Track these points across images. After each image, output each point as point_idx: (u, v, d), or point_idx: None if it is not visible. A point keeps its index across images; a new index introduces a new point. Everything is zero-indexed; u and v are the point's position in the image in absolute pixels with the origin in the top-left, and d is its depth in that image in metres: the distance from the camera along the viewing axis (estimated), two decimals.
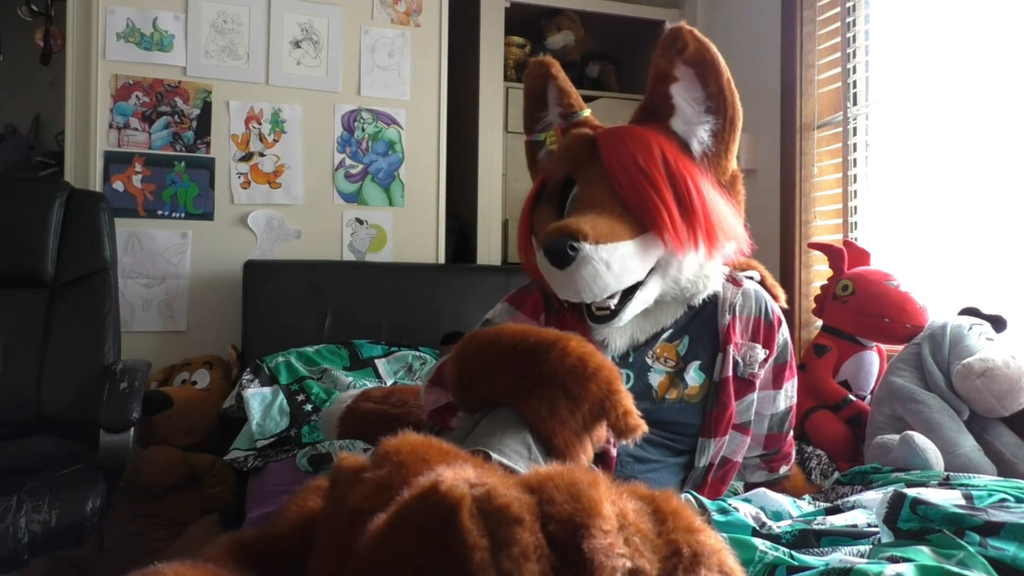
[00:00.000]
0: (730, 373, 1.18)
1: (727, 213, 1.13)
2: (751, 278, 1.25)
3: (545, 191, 1.21)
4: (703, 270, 1.15)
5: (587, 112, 1.27)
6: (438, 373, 1.20)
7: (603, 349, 1.15)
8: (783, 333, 1.26)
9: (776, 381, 1.27)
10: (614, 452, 1.12)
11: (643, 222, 1.07)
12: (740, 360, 1.19)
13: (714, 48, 1.13)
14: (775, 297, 1.29)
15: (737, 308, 1.21)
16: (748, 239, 1.17)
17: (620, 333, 1.16)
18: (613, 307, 1.08)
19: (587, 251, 1.01)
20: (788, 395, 1.29)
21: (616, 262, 1.03)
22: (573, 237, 1.01)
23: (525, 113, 1.34)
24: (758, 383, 1.23)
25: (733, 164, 1.18)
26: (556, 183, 1.18)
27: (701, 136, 1.15)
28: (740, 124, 1.15)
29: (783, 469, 1.36)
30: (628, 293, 1.09)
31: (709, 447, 1.19)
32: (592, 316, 1.10)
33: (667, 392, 1.17)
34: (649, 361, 1.18)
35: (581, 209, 1.09)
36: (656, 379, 1.17)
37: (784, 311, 1.29)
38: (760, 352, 1.21)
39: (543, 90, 1.30)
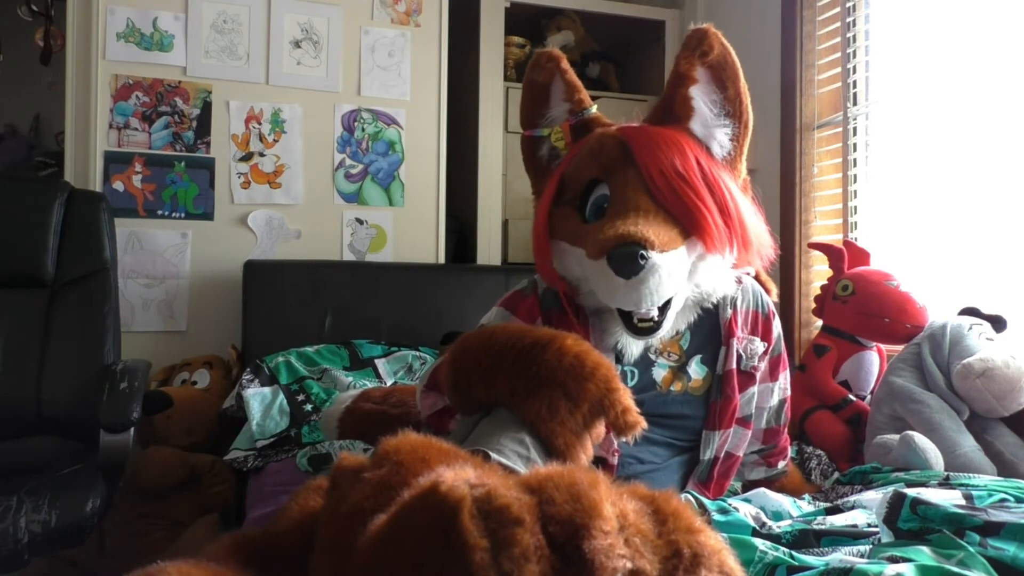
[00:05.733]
0: (734, 366, 1.19)
1: (757, 218, 1.13)
2: (747, 273, 1.25)
3: (564, 192, 1.17)
4: (722, 273, 1.15)
5: (595, 109, 1.23)
6: (432, 377, 1.19)
7: (611, 352, 1.15)
8: (777, 326, 1.27)
9: (772, 373, 1.28)
10: (614, 461, 1.12)
11: (686, 226, 1.05)
12: (743, 353, 1.20)
13: (733, 52, 1.14)
14: (767, 292, 1.29)
15: (737, 303, 1.21)
16: (773, 245, 1.17)
17: (636, 342, 1.14)
18: (656, 319, 1.05)
19: (655, 260, 0.98)
20: (782, 387, 1.30)
21: (675, 269, 1.02)
22: (641, 245, 0.98)
23: (525, 106, 1.27)
24: (758, 376, 1.24)
25: (744, 169, 1.19)
26: (579, 184, 1.14)
27: (721, 140, 1.15)
28: (751, 128, 1.16)
29: (781, 464, 1.36)
30: (665, 303, 1.06)
31: (714, 439, 1.19)
32: (635, 329, 1.07)
33: (671, 385, 1.18)
34: (652, 356, 1.18)
35: (621, 213, 1.05)
36: (660, 374, 1.18)
37: (781, 310, 1.30)
38: (759, 345, 1.22)
39: (548, 84, 1.24)
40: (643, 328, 1.06)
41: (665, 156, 1.07)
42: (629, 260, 0.98)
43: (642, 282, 0.99)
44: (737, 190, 1.12)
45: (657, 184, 1.06)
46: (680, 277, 1.05)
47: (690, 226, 1.05)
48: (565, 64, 1.24)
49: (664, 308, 1.06)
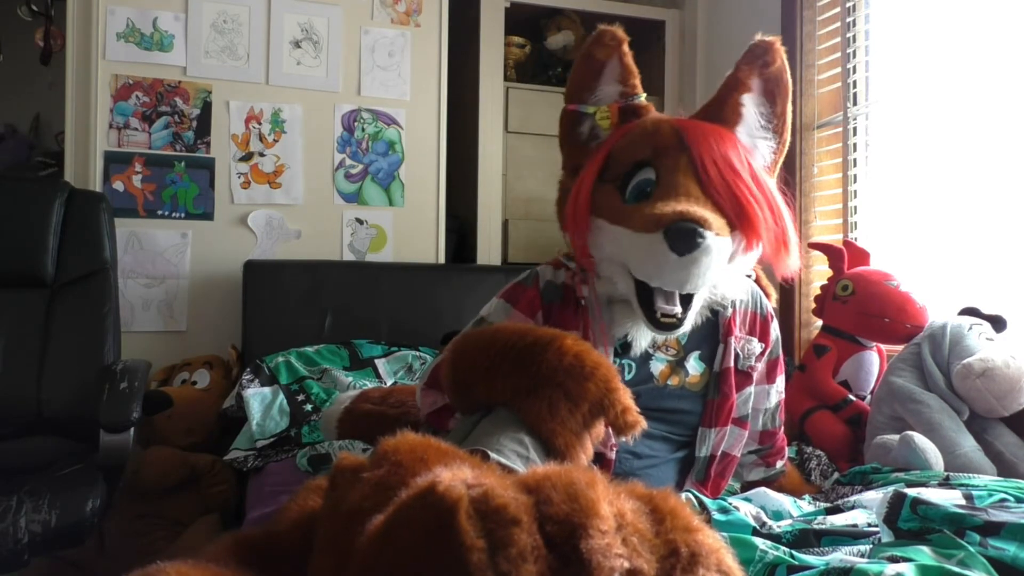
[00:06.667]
0: (731, 364, 1.19)
1: (792, 226, 1.14)
2: (748, 275, 1.26)
3: (607, 170, 1.15)
4: (738, 277, 1.15)
5: (644, 97, 1.23)
6: (433, 375, 1.19)
7: (610, 346, 1.15)
8: (775, 329, 1.28)
9: (769, 376, 1.29)
10: (612, 455, 1.12)
11: (733, 218, 1.05)
12: (740, 352, 1.20)
13: (789, 71, 1.18)
14: (767, 295, 1.30)
15: (737, 303, 1.22)
16: (801, 256, 1.18)
17: (645, 336, 1.14)
18: (679, 315, 1.05)
19: (711, 240, 0.98)
20: (779, 390, 1.31)
21: (723, 257, 1.03)
22: (700, 223, 0.98)
23: (576, 79, 1.24)
24: (755, 376, 1.24)
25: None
26: (626, 163, 1.13)
27: (763, 151, 1.18)
28: (787, 148, 1.19)
29: (779, 464, 1.36)
30: (687, 299, 1.06)
31: (709, 437, 1.19)
32: (657, 323, 1.06)
33: (668, 379, 1.18)
34: (651, 350, 1.18)
35: (671, 196, 1.05)
36: (657, 367, 1.18)
37: (781, 310, 1.30)
38: (757, 346, 1.23)
39: (605, 62, 1.22)
40: (666, 323, 1.06)
41: (718, 147, 1.08)
42: (687, 236, 0.97)
43: (695, 261, 0.98)
44: (779, 195, 1.13)
45: (708, 172, 1.06)
46: (723, 267, 1.05)
47: (739, 219, 1.05)
48: (626, 48, 1.23)
49: (686, 305, 1.06)
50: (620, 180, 1.13)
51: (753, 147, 1.17)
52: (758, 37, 1.17)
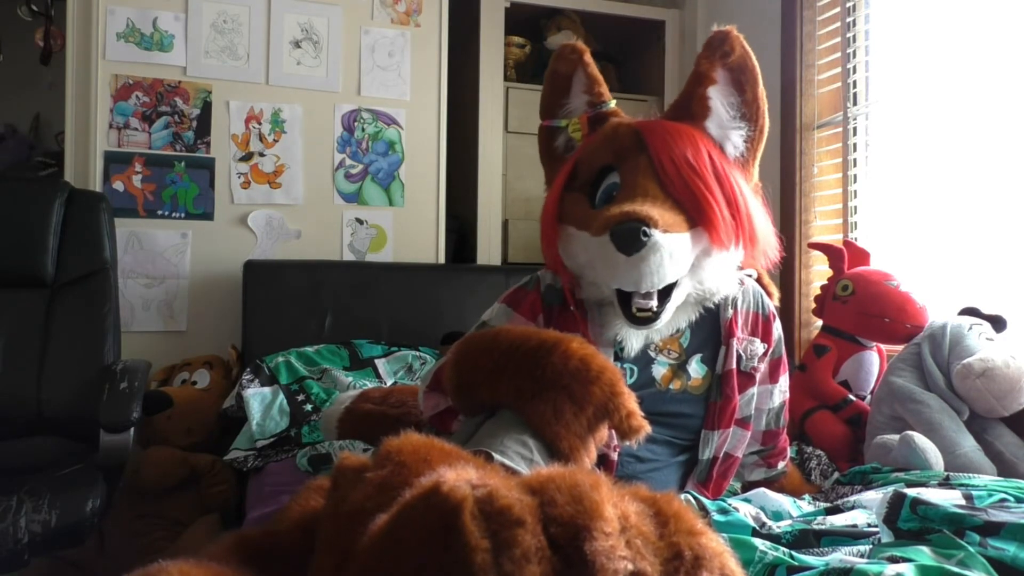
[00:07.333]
0: (734, 366, 1.19)
1: (764, 218, 1.14)
2: (749, 275, 1.26)
3: (576, 178, 1.18)
4: (726, 272, 1.15)
5: (614, 103, 1.24)
6: (435, 378, 1.19)
7: (610, 349, 1.15)
8: (777, 328, 1.28)
9: (772, 376, 1.29)
10: (615, 456, 1.12)
11: (693, 216, 1.06)
12: (742, 354, 1.20)
13: (754, 57, 1.16)
14: (769, 295, 1.30)
15: (738, 303, 1.22)
16: (779, 247, 1.18)
17: (636, 336, 1.15)
18: (655, 309, 1.06)
19: (657, 238, 0.99)
20: (782, 390, 1.31)
21: (677, 253, 1.03)
22: (644, 223, 0.99)
23: (546, 96, 1.28)
24: (758, 377, 1.24)
25: (756, 173, 1.20)
26: (591, 171, 1.16)
27: (735, 141, 1.17)
28: (767, 134, 1.17)
29: (781, 465, 1.36)
30: (665, 293, 1.07)
31: (712, 439, 1.19)
32: (633, 318, 1.07)
33: (670, 383, 1.18)
34: (652, 354, 1.18)
35: (629, 197, 1.06)
36: (659, 371, 1.18)
37: (781, 310, 1.31)
38: (759, 346, 1.23)
39: (570, 75, 1.26)
40: (641, 318, 1.07)
41: (677, 146, 1.08)
42: (631, 236, 0.99)
43: (643, 259, 0.99)
44: (747, 188, 1.13)
45: (667, 171, 1.07)
46: (683, 263, 1.05)
47: (697, 215, 1.06)
48: (588, 57, 1.25)
49: (663, 299, 1.07)
50: (588, 187, 1.16)
51: (724, 139, 1.17)
52: (714, 28, 1.17)
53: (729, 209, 1.07)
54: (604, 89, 1.25)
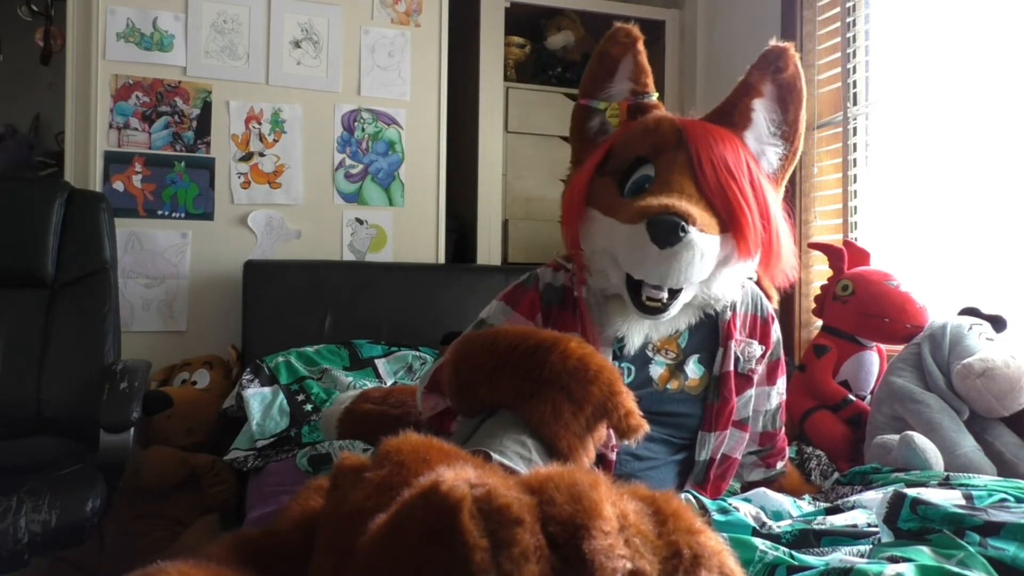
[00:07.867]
0: (731, 368, 1.19)
1: (789, 237, 1.14)
2: (749, 277, 1.26)
3: (608, 163, 1.16)
4: (735, 283, 1.15)
5: (656, 97, 1.24)
6: (434, 378, 1.19)
7: (608, 348, 1.15)
8: (776, 331, 1.27)
9: (770, 378, 1.29)
10: (613, 456, 1.12)
11: (725, 220, 1.06)
12: (740, 356, 1.20)
13: (804, 79, 1.16)
14: (768, 297, 1.30)
15: (737, 306, 1.22)
16: (796, 267, 1.18)
17: (638, 332, 1.14)
18: (665, 301, 1.06)
19: (694, 236, 0.99)
20: (779, 392, 1.31)
21: (708, 254, 1.03)
22: (683, 218, 0.98)
23: (590, 75, 1.25)
24: (756, 379, 1.24)
25: (783, 192, 1.21)
26: (625, 159, 1.14)
27: (770, 158, 1.18)
28: (799, 157, 1.18)
29: (779, 465, 1.36)
30: (675, 289, 1.07)
31: (709, 441, 1.19)
32: (643, 307, 1.07)
33: (667, 383, 1.18)
34: (650, 354, 1.18)
35: (664, 191, 1.05)
36: (657, 371, 1.18)
37: (781, 310, 1.31)
38: (757, 348, 1.23)
39: (619, 59, 1.24)
40: (651, 307, 1.06)
41: (718, 149, 1.08)
42: (670, 229, 0.98)
43: (676, 254, 0.99)
44: (778, 204, 1.14)
45: (705, 172, 1.06)
46: (710, 265, 1.05)
47: (729, 221, 1.06)
48: (641, 45, 1.24)
49: (673, 294, 1.07)
50: (620, 174, 1.14)
51: (761, 153, 1.17)
52: (772, 43, 1.17)
53: (761, 220, 1.07)
54: (650, 80, 1.23)
